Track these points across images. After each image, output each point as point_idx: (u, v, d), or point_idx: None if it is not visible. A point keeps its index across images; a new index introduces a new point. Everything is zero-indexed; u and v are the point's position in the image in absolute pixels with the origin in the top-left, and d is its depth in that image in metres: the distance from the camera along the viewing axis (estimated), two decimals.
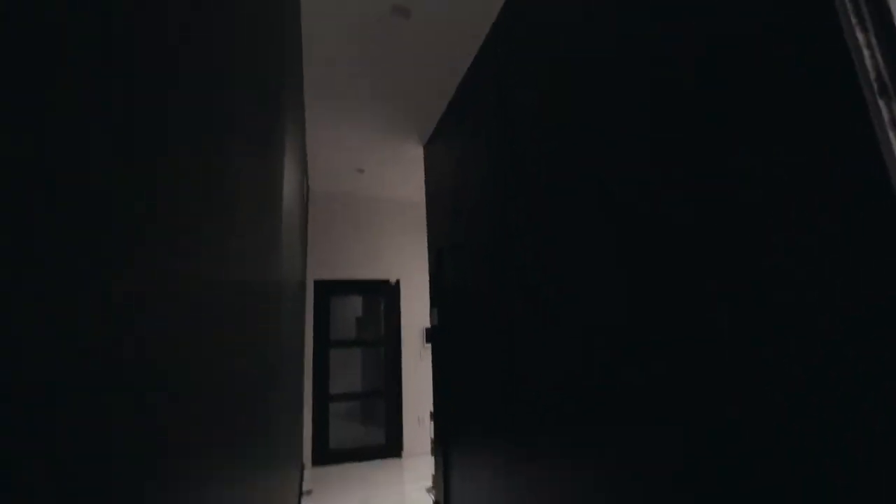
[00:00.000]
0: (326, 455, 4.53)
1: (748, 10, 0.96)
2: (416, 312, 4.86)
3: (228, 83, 0.62)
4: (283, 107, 1.64)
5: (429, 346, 4.83)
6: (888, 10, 0.73)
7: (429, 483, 3.78)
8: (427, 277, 4.67)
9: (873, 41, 0.74)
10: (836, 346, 0.79)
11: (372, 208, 4.96)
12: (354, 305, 5.14)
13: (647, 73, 1.29)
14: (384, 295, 4.91)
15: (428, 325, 4.83)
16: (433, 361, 3.47)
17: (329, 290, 4.76)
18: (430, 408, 4.75)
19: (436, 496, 3.32)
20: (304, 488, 3.87)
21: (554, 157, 1.78)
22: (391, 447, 4.67)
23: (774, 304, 0.90)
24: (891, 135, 0.70)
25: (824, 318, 0.81)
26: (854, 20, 0.75)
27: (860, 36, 0.74)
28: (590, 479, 1.51)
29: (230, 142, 0.64)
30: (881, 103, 0.70)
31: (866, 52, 0.74)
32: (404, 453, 4.65)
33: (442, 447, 3.28)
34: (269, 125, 1.19)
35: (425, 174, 3.71)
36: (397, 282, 4.90)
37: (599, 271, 1.50)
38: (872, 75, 0.72)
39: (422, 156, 3.78)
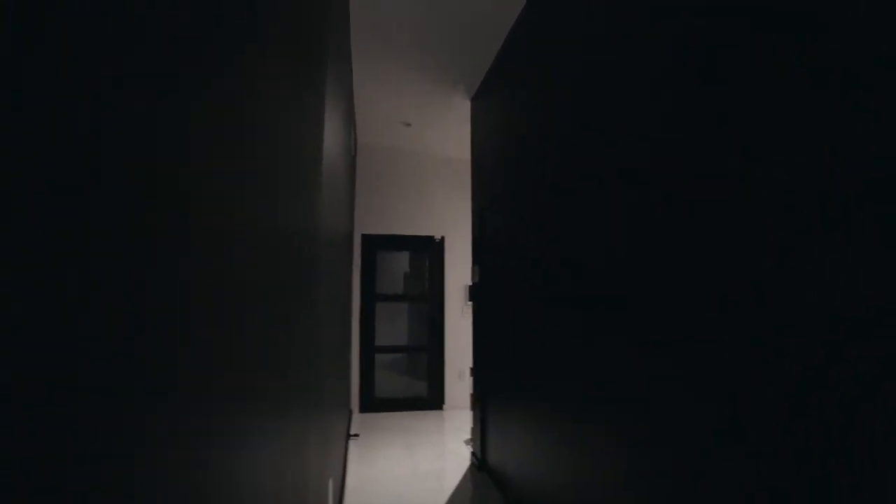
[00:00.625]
0: (372, 403, 4.77)
1: None
2: (459, 270, 4.87)
3: (266, 23, 0.59)
4: (327, 52, 1.60)
5: (471, 303, 4.86)
6: None
7: (467, 436, 3.90)
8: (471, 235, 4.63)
9: None
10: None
11: (419, 163, 4.91)
12: (402, 261, 5.22)
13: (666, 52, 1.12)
14: (429, 251, 4.94)
15: (470, 282, 4.84)
16: (474, 319, 3.48)
17: (375, 245, 4.84)
18: (471, 364, 4.84)
19: (473, 448, 3.43)
20: (352, 432, 4.12)
21: (583, 123, 1.63)
22: (433, 399, 4.84)
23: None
24: None
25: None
26: None
27: None
28: (613, 439, 1.47)
29: (266, 86, 0.61)
30: None
31: None
32: (445, 406, 4.81)
33: (480, 403, 3.34)
34: (309, 70, 1.15)
35: (472, 130, 3.59)
36: (442, 238, 4.90)
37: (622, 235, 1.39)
38: None
39: (468, 111, 3.64)
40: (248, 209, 0.59)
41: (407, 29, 2.65)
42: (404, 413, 4.71)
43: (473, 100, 3.49)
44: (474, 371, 3.51)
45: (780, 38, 0.91)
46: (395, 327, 5.04)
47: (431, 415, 4.67)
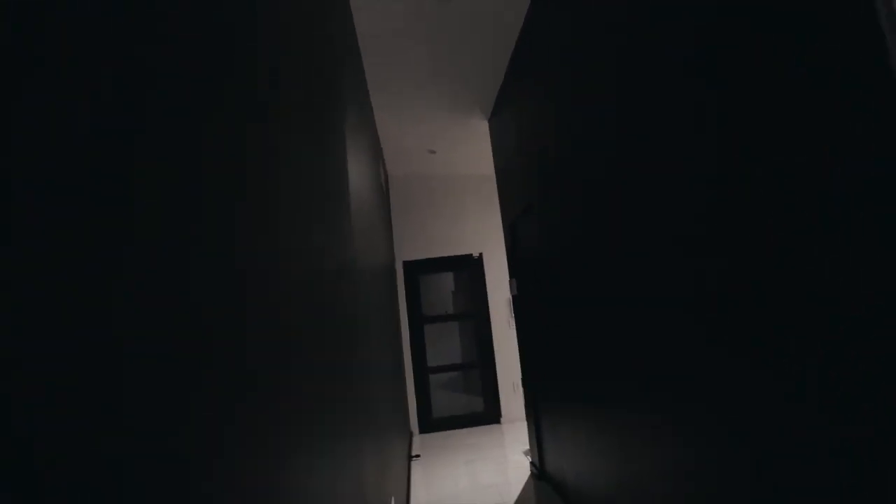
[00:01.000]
0: (430, 423, 4.88)
1: None
2: (501, 284, 4.95)
3: (284, 82, 0.75)
4: (343, 99, 1.80)
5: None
6: None
7: (526, 446, 3.91)
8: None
9: None
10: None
11: (448, 187, 5.09)
12: (447, 281, 5.39)
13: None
14: (469, 269, 5.06)
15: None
16: (517, 330, 3.54)
17: (417, 270, 5.03)
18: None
19: (531, 457, 3.44)
20: (413, 453, 4.24)
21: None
22: (489, 414, 4.88)
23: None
24: None
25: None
26: None
27: None
28: (668, 445, 1.50)
29: (289, 140, 0.78)
30: None
31: None
32: (503, 419, 4.83)
33: (532, 412, 3.37)
34: (328, 120, 1.33)
35: (493, 147, 3.72)
36: (480, 255, 5.01)
37: (664, 244, 1.44)
38: None
39: (487, 130, 3.79)
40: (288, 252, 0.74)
41: (416, 64, 2.86)
42: (463, 430, 4.78)
43: (490, 119, 3.63)
44: (524, 381, 3.55)
45: (779, 38, 0.95)
46: (447, 347, 5.18)
47: (489, 429, 4.70)
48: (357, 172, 2.12)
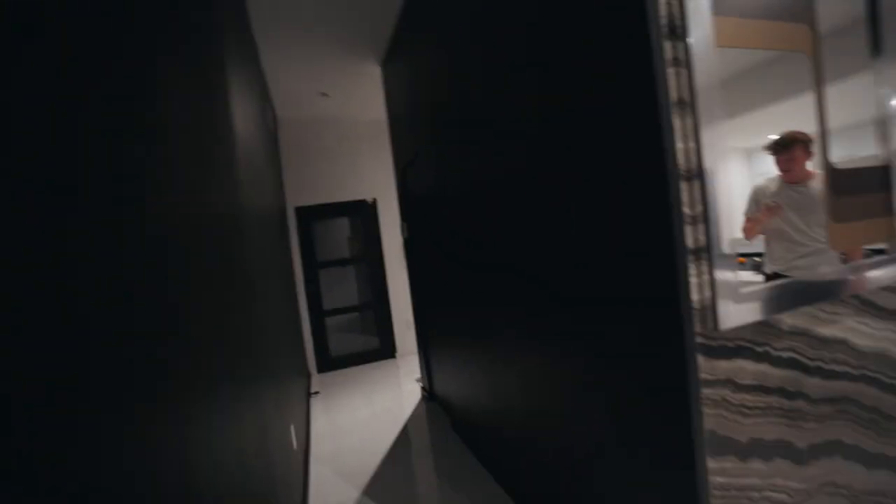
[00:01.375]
0: (329, 362, 5.08)
1: None
2: (394, 228, 5.12)
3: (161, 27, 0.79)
4: (223, 31, 1.74)
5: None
6: None
7: (419, 375, 4.33)
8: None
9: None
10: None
11: (341, 131, 5.00)
12: (342, 226, 5.44)
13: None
14: (363, 214, 5.15)
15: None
16: (408, 271, 3.81)
17: (310, 216, 4.98)
18: None
19: (423, 383, 3.86)
20: (312, 390, 4.43)
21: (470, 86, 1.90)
22: (385, 350, 5.23)
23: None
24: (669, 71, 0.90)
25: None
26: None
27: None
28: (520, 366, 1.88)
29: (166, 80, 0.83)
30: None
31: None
32: (397, 353, 5.22)
33: (422, 345, 3.75)
34: (208, 52, 1.33)
35: (385, 94, 3.75)
36: (374, 200, 5.11)
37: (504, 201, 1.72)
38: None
39: (380, 76, 3.78)
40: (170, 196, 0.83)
41: (302, 5, 2.74)
42: (360, 367, 5.07)
43: (383, 65, 3.63)
44: (415, 318, 3.88)
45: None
46: (344, 290, 5.35)
47: (385, 363, 5.06)
48: (242, 112, 2.07)
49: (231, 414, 1.07)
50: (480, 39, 1.82)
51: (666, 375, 1.05)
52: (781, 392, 1.10)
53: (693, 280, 0.98)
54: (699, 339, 0.99)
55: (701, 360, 0.99)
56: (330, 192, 4.99)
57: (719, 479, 1.02)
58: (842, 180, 1.12)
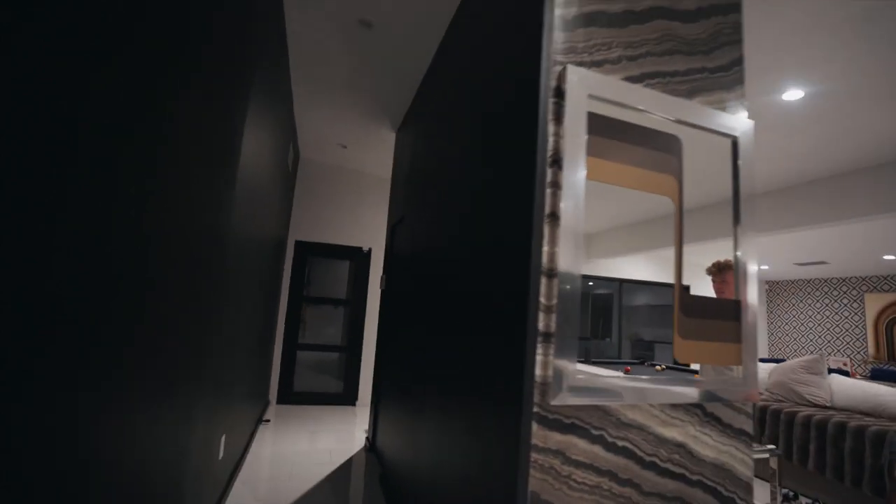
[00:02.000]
0: (290, 396, 5.15)
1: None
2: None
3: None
4: (250, 78, 2.10)
5: None
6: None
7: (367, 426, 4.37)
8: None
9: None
10: None
11: (353, 181, 5.44)
12: (336, 268, 5.71)
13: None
14: (358, 260, 5.44)
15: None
16: (379, 322, 4.01)
17: (307, 250, 5.29)
18: None
19: (368, 434, 3.91)
20: (265, 418, 4.49)
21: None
22: (347, 395, 5.28)
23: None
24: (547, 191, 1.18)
25: None
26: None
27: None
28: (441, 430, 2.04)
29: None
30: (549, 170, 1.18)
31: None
32: (358, 402, 5.26)
33: (375, 397, 3.85)
34: (228, 97, 1.66)
35: (394, 157, 4.18)
36: (370, 250, 5.42)
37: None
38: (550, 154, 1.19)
39: (394, 141, 4.23)
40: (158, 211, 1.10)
41: (336, 71, 3.22)
42: (319, 406, 5.12)
43: (397, 132, 4.09)
44: (375, 369, 4.02)
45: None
46: (326, 329, 5.50)
47: (343, 409, 5.10)
48: (255, 145, 2.41)
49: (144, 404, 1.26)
50: (442, 146, 2.18)
51: (504, 435, 1.22)
52: (612, 476, 1.25)
53: (539, 358, 1.19)
54: (536, 409, 1.18)
55: (535, 427, 1.17)
56: (331, 233, 5.34)
57: None
58: (691, 305, 1.35)
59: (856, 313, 6.72)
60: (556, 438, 1.20)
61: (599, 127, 1.27)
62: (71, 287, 0.81)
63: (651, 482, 1.29)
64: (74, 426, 0.87)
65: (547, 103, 1.24)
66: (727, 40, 1.54)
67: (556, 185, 1.22)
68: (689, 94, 1.45)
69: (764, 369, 4.40)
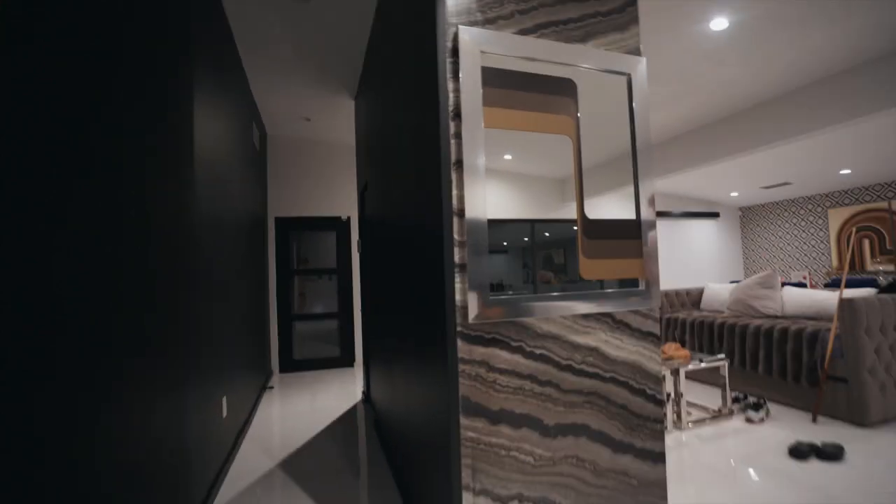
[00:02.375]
0: (291, 364, 5.45)
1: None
2: None
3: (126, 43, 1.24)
4: (191, 63, 2.20)
5: None
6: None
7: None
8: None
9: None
10: None
11: (321, 153, 5.53)
12: (319, 239, 5.89)
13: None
14: (337, 229, 5.61)
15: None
16: (361, 286, 4.23)
17: (289, 226, 5.45)
18: None
19: (363, 388, 4.22)
20: (269, 385, 4.80)
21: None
22: (345, 358, 5.59)
23: None
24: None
25: None
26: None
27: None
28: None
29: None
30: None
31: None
32: (355, 363, 5.58)
33: (366, 354, 4.13)
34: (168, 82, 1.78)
35: (355, 124, 4.27)
36: (348, 218, 5.58)
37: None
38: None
39: (353, 108, 4.31)
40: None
41: (282, 47, 3.28)
42: (319, 371, 5.44)
43: (356, 99, 4.16)
44: (363, 330, 4.28)
45: None
46: (317, 298, 5.76)
47: (343, 370, 5.42)
48: (209, 130, 2.53)
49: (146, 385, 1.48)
50: (387, 109, 2.30)
51: (439, 354, 1.45)
52: (533, 379, 1.49)
53: (458, 285, 1.40)
54: (459, 328, 1.40)
55: (460, 343, 1.40)
56: (309, 206, 5.48)
57: (470, 434, 1.41)
58: (592, 227, 1.55)
59: (821, 229, 7.01)
60: (480, 351, 1.43)
61: (495, 79, 1.42)
62: (71, 285, 0.99)
63: (569, 381, 1.54)
64: (75, 409, 1.08)
65: (445, 63, 1.39)
66: None
67: (458, 136, 1.39)
68: (584, 38, 1.60)
69: (726, 289, 4.70)
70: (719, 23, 2.90)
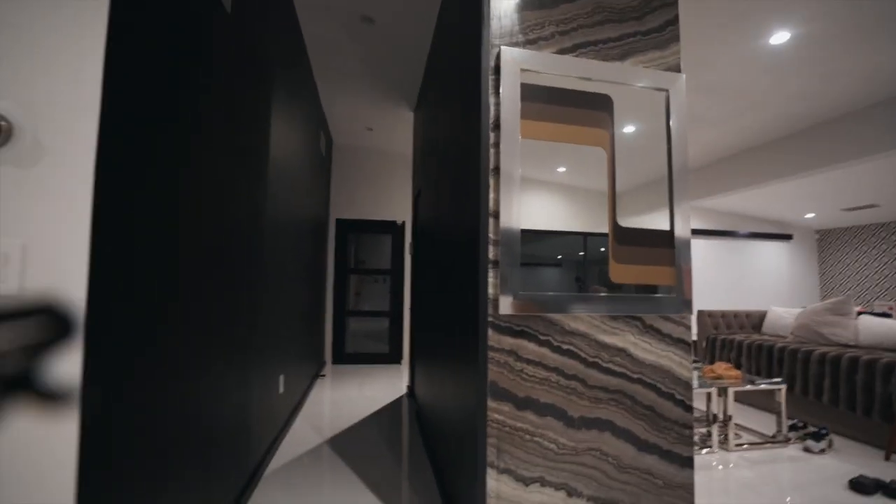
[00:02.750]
0: (343, 356, 5.79)
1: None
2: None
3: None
4: (271, 82, 2.54)
5: None
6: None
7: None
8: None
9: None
10: None
11: (383, 160, 5.87)
12: (375, 240, 6.27)
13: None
14: (393, 232, 5.91)
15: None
16: (411, 288, 4.46)
17: (348, 227, 5.83)
18: None
19: (408, 383, 4.42)
20: (322, 373, 5.14)
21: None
22: (393, 355, 5.84)
23: None
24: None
25: None
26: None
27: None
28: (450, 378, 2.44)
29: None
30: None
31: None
32: (403, 361, 5.81)
33: (412, 352, 4.34)
34: (251, 106, 2.09)
35: (413, 135, 4.53)
36: (403, 223, 5.86)
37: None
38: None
39: (412, 119, 4.58)
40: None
41: (350, 62, 3.60)
42: (369, 365, 5.73)
43: (415, 111, 4.43)
44: (411, 330, 4.49)
45: None
46: (371, 297, 6.13)
47: (390, 367, 5.68)
48: (283, 137, 2.86)
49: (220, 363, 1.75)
50: (440, 121, 2.50)
51: (471, 341, 1.60)
52: (559, 372, 1.59)
53: (490, 280, 1.54)
54: (490, 318, 1.54)
55: (490, 332, 1.54)
56: (367, 209, 5.83)
57: (497, 416, 1.54)
58: (624, 234, 1.63)
59: None
60: (509, 341, 1.56)
61: (534, 94, 1.56)
62: (189, 278, 1.26)
63: (595, 378, 1.62)
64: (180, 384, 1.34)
65: (488, 79, 1.56)
66: (660, 3, 1.75)
67: (497, 146, 1.55)
68: (622, 56, 1.70)
69: (791, 314, 4.44)
70: (780, 36, 2.83)
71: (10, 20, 0.89)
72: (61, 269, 0.89)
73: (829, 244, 7.65)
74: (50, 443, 0.83)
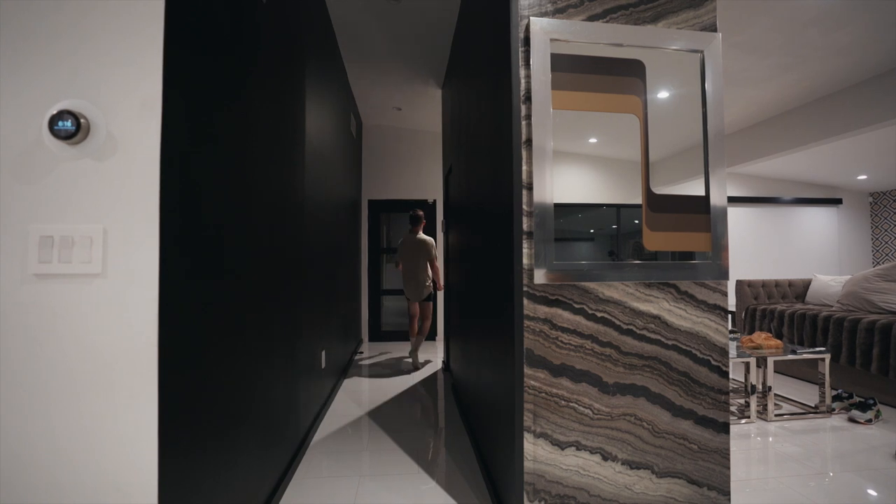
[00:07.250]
0: (379, 334, 5.98)
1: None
2: None
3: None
4: (303, 66, 2.60)
5: None
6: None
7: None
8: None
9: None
10: None
11: (412, 140, 5.90)
12: (406, 220, 6.34)
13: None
14: (425, 211, 5.97)
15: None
16: (444, 266, 4.53)
17: (380, 208, 5.93)
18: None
19: (444, 359, 4.54)
20: (359, 350, 5.34)
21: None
22: (429, 331, 5.98)
23: None
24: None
25: None
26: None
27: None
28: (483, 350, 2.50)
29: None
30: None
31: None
32: (437, 337, 5.95)
33: (446, 329, 4.43)
34: (287, 87, 2.16)
35: (442, 112, 4.52)
36: (434, 201, 5.91)
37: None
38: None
39: (440, 97, 4.57)
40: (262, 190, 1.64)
41: (378, 42, 3.61)
42: (404, 342, 5.89)
43: (442, 89, 4.41)
44: (445, 307, 4.58)
45: None
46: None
47: (425, 343, 5.82)
48: (317, 121, 2.94)
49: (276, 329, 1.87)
50: (469, 97, 2.50)
51: (507, 310, 1.65)
52: (594, 339, 1.63)
53: (525, 250, 1.58)
54: (525, 288, 1.58)
55: (526, 301, 1.58)
56: (399, 189, 5.90)
57: (533, 383, 1.59)
58: (656, 201, 1.62)
59: None
60: (544, 310, 1.60)
61: (564, 63, 1.56)
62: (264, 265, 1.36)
63: (629, 344, 1.65)
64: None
65: (518, 52, 1.56)
66: None
67: (528, 118, 1.56)
68: (655, 19, 1.66)
69: (838, 282, 4.27)
70: None
71: (77, 23, 0.98)
72: (136, 249, 0.99)
73: (883, 208, 7.20)
74: (135, 412, 0.94)
